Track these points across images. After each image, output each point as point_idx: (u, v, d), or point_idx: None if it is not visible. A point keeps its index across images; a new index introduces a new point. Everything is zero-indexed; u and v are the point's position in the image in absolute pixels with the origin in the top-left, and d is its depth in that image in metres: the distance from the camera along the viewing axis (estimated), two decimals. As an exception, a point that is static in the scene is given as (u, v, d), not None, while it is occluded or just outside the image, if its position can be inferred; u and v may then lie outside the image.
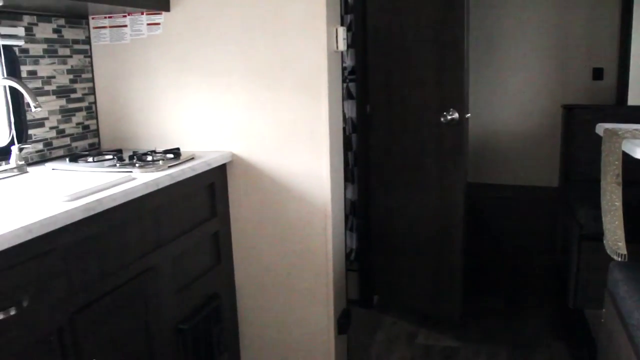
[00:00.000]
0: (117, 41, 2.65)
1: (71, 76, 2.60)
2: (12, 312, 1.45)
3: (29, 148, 2.36)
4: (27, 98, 2.02)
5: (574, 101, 3.79)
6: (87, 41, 2.68)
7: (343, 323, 2.70)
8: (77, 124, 2.65)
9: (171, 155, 2.36)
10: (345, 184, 2.94)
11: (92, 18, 2.66)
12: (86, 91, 2.69)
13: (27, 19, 2.35)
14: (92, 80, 2.72)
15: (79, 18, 2.62)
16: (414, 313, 3.43)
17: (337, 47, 2.52)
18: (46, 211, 1.60)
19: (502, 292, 3.74)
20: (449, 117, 2.96)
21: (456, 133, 2.99)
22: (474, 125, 3.68)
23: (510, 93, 3.93)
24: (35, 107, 2.01)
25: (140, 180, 2.00)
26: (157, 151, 2.42)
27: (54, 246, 1.61)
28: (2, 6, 2.00)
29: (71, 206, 1.66)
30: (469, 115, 3.07)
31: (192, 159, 2.38)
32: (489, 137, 3.96)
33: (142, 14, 2.58)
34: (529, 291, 3.72)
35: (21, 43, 2.31)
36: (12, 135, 2.32)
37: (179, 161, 2.30)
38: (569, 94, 3.84)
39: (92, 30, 2.67)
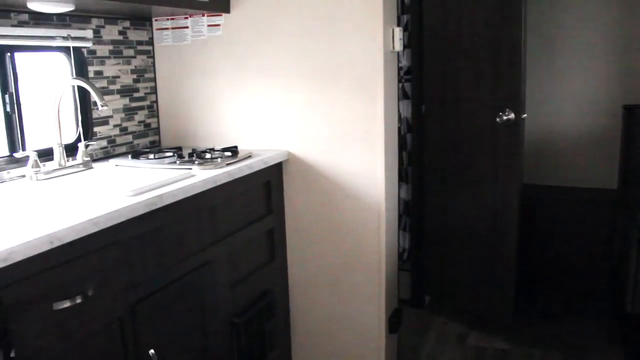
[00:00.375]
0: (178, 42, 2.73)
1: (134, 76, 2.69)
2: (78, 301, 1.52)
3: (94, 145, 2.46)
4: (95, 97, 2.10)
5: (635, 101, 3.68)
6: (150, 42, 2.77)
7: (394, 322, 2.71)
8: (139, 122, 2.74)
9: (229, 153, 2.42)
10: (399, 184, 2.95)
11: (155, 20, 2.75)
12: (148, 90, 2.78)
13: (95, 22, 2.45)
14: (154, 79, 2.81)
15: (143, 20, 2.72)
16: (466, 314, 3.40)
17: (394, 48, 2.53)
18: (111, 205, 1.67)
19: (556, 295, 3.68)
20: (504, 118, 2.93)
21: (512, 133, 2.96)
22: (530, 124, 3.61)
23: (568, 92, 3.84)
24: (102, 106, 2.09)
25: (199, 177, 2.06)
26: (216, 149, 2.47)
27: (118, 239, 1.68)
28: (72, 10, 2.09)
29: (134, 201, 1.73)
30: (525, 115, 3.03)
31: (249, 157, 2.44)
32: (546, 138, 3.89)
33: (203, 15, 2.65)
34: (584, 295, 3.64)
35: (89, 45, 2.41)
36: (79, 133, 2.43)
37: (237, 159, 2.35)
38: (631, 93, 3.72)
39: (155, 32, 2.76)
